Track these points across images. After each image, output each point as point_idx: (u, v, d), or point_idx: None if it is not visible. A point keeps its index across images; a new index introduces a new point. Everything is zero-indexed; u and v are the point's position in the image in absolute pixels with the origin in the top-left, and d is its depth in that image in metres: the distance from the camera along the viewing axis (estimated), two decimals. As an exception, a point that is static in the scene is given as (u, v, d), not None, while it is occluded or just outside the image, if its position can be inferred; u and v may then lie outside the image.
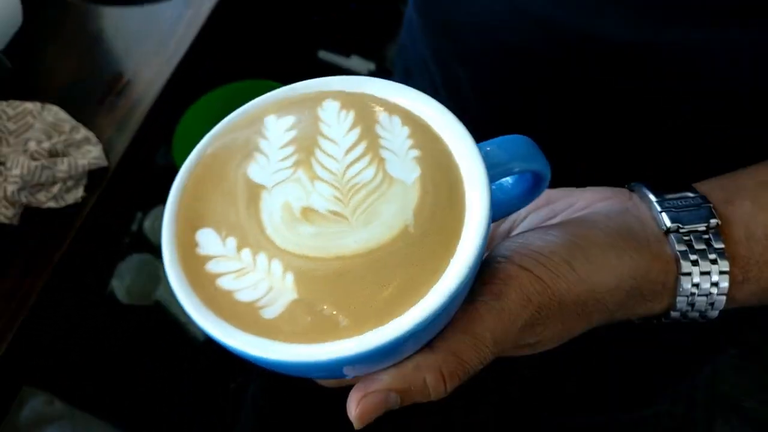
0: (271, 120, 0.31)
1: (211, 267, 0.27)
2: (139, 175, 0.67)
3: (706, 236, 0.31)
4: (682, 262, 0.30)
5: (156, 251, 1.18)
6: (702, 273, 0.30)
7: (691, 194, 0.32)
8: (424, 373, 0.27)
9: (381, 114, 0.31)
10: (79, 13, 0.72)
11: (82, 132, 0.60)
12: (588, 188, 0.35)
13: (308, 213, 0.28)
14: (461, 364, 0.27)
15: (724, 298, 0.31)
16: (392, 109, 0.31)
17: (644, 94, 0.39)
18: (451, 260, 0.26)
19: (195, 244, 0.27)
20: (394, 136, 0.30)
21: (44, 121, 0.58)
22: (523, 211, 0.35)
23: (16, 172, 0.54)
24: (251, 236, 0.27)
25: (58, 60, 0.68)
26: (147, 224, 1.22)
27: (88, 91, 0.65)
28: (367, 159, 0.29)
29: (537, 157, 0.30)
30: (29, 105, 0.59)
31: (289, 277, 0.26)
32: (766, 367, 1.06)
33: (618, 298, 0.30)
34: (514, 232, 0.35)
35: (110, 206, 0.62)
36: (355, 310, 0.25)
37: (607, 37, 0.36)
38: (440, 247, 0.27)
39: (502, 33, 0.42)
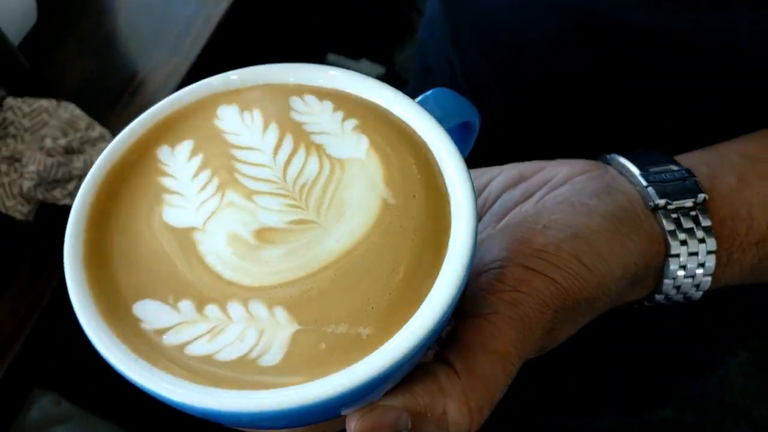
0: (165, 152, 0.25)
1: (171, 339, 0.21)
2: None
3: (693, 213, 0.29)
4: (671, 242, 0.29)
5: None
6: (690, 254, 0.29)
7: (674, 167, 0.30)
8: (447, 399, 0.23)
9: (291, 99, 0.27)
10: (94, 11, 0.72)
11: (98, 129, 0.58)
12: (560, 161, 0.32)
13: (265, 234, 0.23)
14: (489, 393, 0.24)
15: (710, 279, 0.29)
16: (299, 90, 0.27)
17: (644, 94, 0.39)
18: (452, 230, 0.23)
19: (137, 320, 0.21)
20: (318, 115, 0.26)
21: (60, 118, 0.57)
22: (493, 192, 0.32)
23: (32, 168, 0.53)
24: (207, 289, 0.22)
25: (73, 58, 0.67)
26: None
27: (103, 89, 0.64)
28: (302, 152, 0.25)
29: (467, 107, 0.28)
30: (44, 102, 0.58)
31: (280, 312, 0.21)
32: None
33: (621, 287, 0.29)
34: (487, 215, 0.31)
35: None
36: (374, 313, 0.21)
37: (636, 24, 0.35)
38: (434, 213, 0.23)
39: (527, 23, 0.40)
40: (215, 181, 0.24)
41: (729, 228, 0.29)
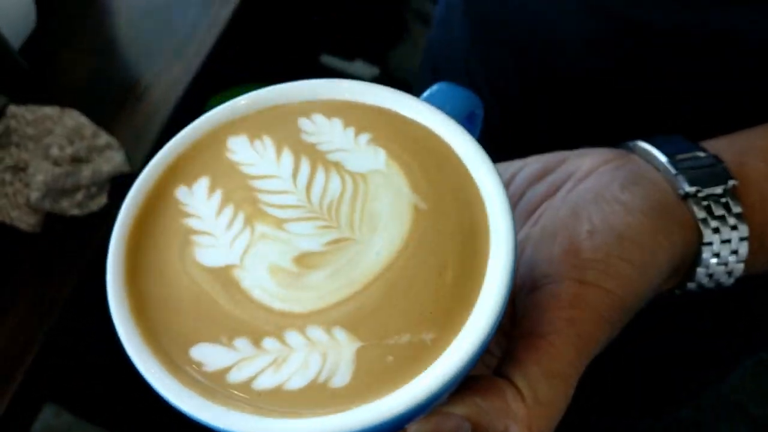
0: (183, 193, 0.25)
1: (235, 377, 0.21)
2: None
3: (724, 200, 0.28)
4: (703, 230, 0.28)
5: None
6: (722, 241, 0.28)
7: (701, 154, 0.30)
8: (510, 421, 0.23)
9: (298, 121, 0.26)
10: (94, 14, 0.71)
11: (104, 137, 0.56)
12: (582, 151, 0.32)
13: (304, 260, 0.23)
14: (551, 419, 0.24)
15: (742, 265, 0.29)
16: (303, 110, 0.27)
17: (644, 94, 0.39)
18: (490, 227, 0.23)
19: (199, 364, 0.21)
20: (328, 133, 0.26)
21: (65, 126, 0.56)
22: (518, 188, 0.31)
23: (40, 178, 0.51)
24: (261, 323, 0.22)
25: (75, 63, 0.65)
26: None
27: (106, 95, 0.63)
28: (321, 172, 0.25)
29: (472, 98, 0.28)
30: (48, 110, 0.57)
31: (339, 333, 0.21)
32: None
33: (662, 279, 0.28)
34: (516, 213, 0.31)
35: None
36: (432, 317, 0.21)
37: (664, 26, 0.35)
38: (468, 212, 0.24)
39: (558, 23, 0.40)
40: (241, 216, 0.24)
41: (760, 214, 0.29)
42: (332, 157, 0.26)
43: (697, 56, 0.36)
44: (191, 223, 0.24)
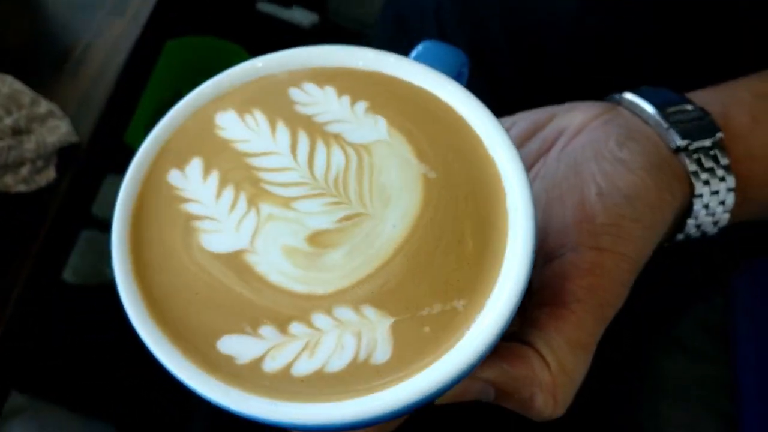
0: (176, 176, 0.23)
1: (270, 366, 0.20)
2: (113, 149, 0.59)
3: (712, 152, 0.29)
4: (694, 182, 0.29)
5: (103, 226, 1.12)
6: (712, 193, 0.29)
7: (689, 107, 0.30)
8: (536, 389, 0.24)
9: (289, 91, 0.25)
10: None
11: (44, 105, 0.50)
12: (570, 105, 0.32)
13: (319, 239, 0.22)
14: (574, 386, 0.25)
15: (728, 215, 0.30)
16: (292, 79, 0.26)
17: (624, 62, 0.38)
18: (505, 190, 0.23)
19: (230, 358, 0.20)
20: (323, 103, 0.25)
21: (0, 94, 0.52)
22: None
23: None
24: (285, 308, 0.21)
25: (3, 25, 0.58)
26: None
27: (42, 58, 0.56)
28: (321, 145, 0.24)
29: (460, 55, 0.28)
30: (-22, 77, 0.53)
31: (369, 310, 0.21)
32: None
33: (665, 234, 0.29)
34: None
35: (86, 186, 0.55)
36: (460, 285, 0.21)
37: None
38: (480, 176, 0.23)
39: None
40: (243, 196, 0.23)
41: (744, 167, 0.30)
42: (331, 128, 0.25)
43: (680, 25, 0.36)
44: (190, 208, 0.23)
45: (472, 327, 0.21)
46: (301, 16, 1.34)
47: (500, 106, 0.36)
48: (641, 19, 0.37)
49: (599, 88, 0.34)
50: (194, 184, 0.23)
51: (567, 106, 0.32)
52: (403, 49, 0.28)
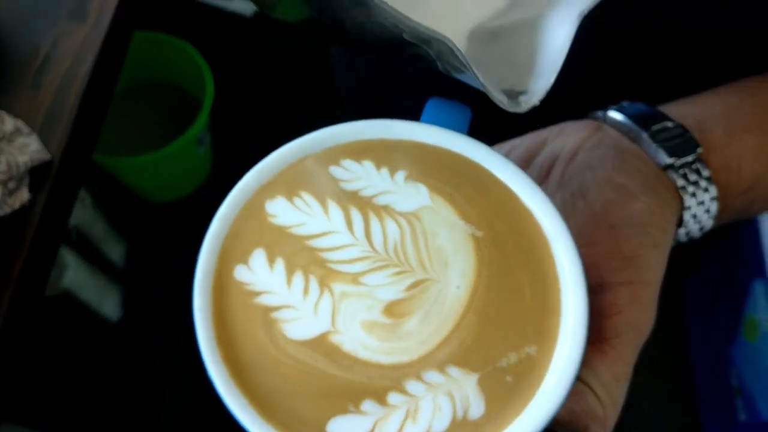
0: (242, 272, 0.25)
1: None
2: (86, 163, 0.56)
3: (695, 166, 0.32)
4: (683, 196, 0.32)
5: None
6: (698, 203, 0.32)
7: (670, 124, 0.32)
8: (591, 422, 0.27)
9: (330, 170, 0.27)
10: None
11: (9, 122, 0.47)
12: (557, 129, 0.34)
13: (393, 309, 0.24)
14: (617, 412, 0.27)
15: (712, 221, 0.33)
16: (329, 157, 0.27)
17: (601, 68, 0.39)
18: (547, 237, 0.25)
19: None
20: (365, 177, 0.27)
21: (-40, 113, 0.43)
22: None
23: None
24: (379, 380, 0.22)
25: None
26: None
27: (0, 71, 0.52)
28: (374, 219, 0.26)
29: (465, 111, 0.30)
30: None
31: (454, 370, 0.23)
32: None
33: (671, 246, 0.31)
34: None
35: (62, 204, 0.52)
36: (528, 333, 0.24)
37: None
38: (521, 228, 0.26)
39: None
40: (313, 279, 0.24)
41: (723, 177, 0.33)
42: (378, 201, 0.26)
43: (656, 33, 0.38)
44: (264, 300, 0.24)
45: (549, 370, 0.23)
46: (242, 6, 1.32)
47: (482, 128, 0.38)
48: (614, 35, 0.40)
49: (578, 104, 0.36)
50: (262, 275, 0.24)
51: (555, 129, 0.34)
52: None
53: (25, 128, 0.50)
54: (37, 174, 0.50)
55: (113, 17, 0.57)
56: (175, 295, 1.22)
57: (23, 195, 0.49)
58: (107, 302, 1.12)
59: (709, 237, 0.33)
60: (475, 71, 0.21)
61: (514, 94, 0.24)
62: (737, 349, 1.10)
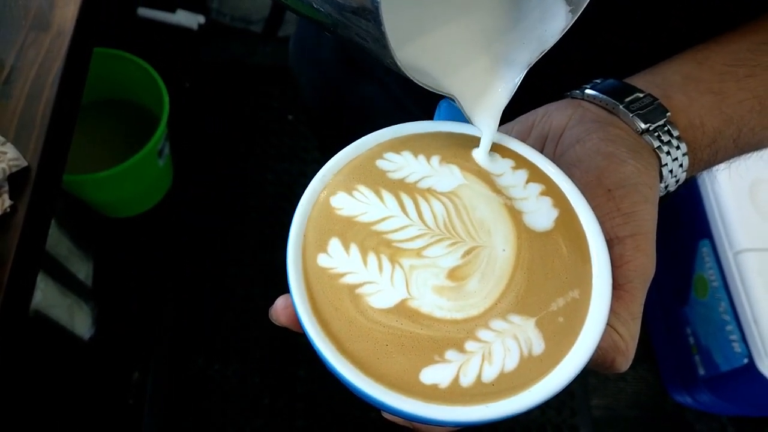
0: (324, 260, 0.28)
1: (465, 381, 0.26)
2: (63, 169, 0.56)
3: (666, 128, 0.36)
4: (660, 155, 0.35)
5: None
6: (673, 159, 0.36)
7: (640, 94, 0.36)
8: (616, 355, 0.30)
9: (377, 164, 0.31)
10: None
11: None
12: (543, 110, 0.37)
13: (455, 274, 0.28)
14: (635, 344, 0.31)
15: (686, 174, 0.38)
16: (374, 155, 0.31)
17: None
18: (569, 198, 0.30)
19: (435, 385, 0.26)
20: (407, 167, 0.31)
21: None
22: None
23: None
24: (456, 333, 0.27)
25: None
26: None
27: None
28: (423, 201, 0.30)
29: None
30: None
31: (515, 317, 0.27)
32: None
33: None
34: None
35: (43, 210, 0.53)
36: (569, 280, 0.28)
37: None
38: (547, 192, 0.30)
39: None
40: (385, 258, 0.28)
41: (689, 135, 0.38)
42: (422, 185, 0.30)
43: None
44: (348, 279, 0.28)
45: (591, 309, 0.28)
46: (188, 19, 1.33)
47: None
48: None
49: (555, 84, 0.41)
50: (342, 260, 0.28)
51: (540, 112, 0.38)
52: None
53: (7, 143, 0.51)
54: (15, 181, 0.51)
55: (75, 25, 0.58)
56: (145, 308, 1.22)
57: (4, 201, 0.50)
58: (78, 320, 1.11)
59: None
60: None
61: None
62: (690, 308, 1.20)
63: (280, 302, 0.30)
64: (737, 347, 1.03)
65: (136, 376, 1.19)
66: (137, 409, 1.16)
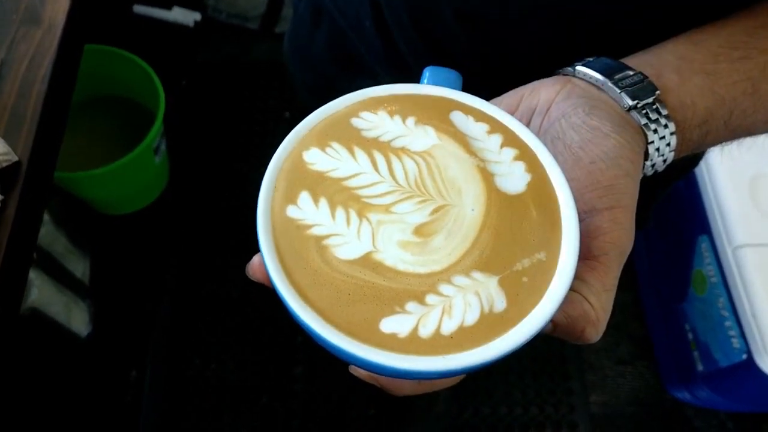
0: (293, 210, 0.28)
1: (424, 332, 0.26)
2: (54, 165, 0.56)
3: (654, 106, 0.36)
4: (647, 133, 0.35)
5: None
6: (660, 138, 0.36)
7: (630, 72, 0.36)
8: (586, 325, 0.30)
9: (351, 122, 0.31)
10: None
11: None
12: (532, 86, 0.37)
13: (421, 230, 0.28)
14: (607, 316, 0.31)
15: (673, 153, 0.38)
16: (350, 113, 0.31)
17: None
18: (543, 163, 0.30)
19: (394, 335, 0.26)
20: (382, 126, 0.31)
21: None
22: None
23: None
24: (418, 286, 0.27)
25: None
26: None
27: None
28: (395, 160, 0.30)
29: (459, 77, 0.34)
30: None
31: (478, 275, 0.27)
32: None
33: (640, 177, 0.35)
34: None
35: (33, 207, 0.53)
36: (537, 242, 0.28)
37: None
38: (519, 156, 0.30)
39: None
40: (353, 212, 0.29)
41: (679, 114, 0.37)
42: (396, 144, 0.31)
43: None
44: (315, 231, 0.28)
45: (557, 270, 0.28)
46: (184, 16, 1.34)
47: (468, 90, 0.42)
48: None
49: (550, 63, 0.41)
50: (310, 212, 0.28)
51: (530, 87, 0.38)
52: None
53: (0, 142, 0.51)
54: (6, 176, 0.51)
55: (66, 20, 0.58)
56: (142, 306, 1.22)
57: None
58: (75, 317, 1.11)
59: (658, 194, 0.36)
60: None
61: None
62: (689, 304, 1.19)
63: (256, 259, 0.30)
64: (736, 343, 1.02)
65: (134, 374, 1.19)
66: (134, 407, 1.16)
